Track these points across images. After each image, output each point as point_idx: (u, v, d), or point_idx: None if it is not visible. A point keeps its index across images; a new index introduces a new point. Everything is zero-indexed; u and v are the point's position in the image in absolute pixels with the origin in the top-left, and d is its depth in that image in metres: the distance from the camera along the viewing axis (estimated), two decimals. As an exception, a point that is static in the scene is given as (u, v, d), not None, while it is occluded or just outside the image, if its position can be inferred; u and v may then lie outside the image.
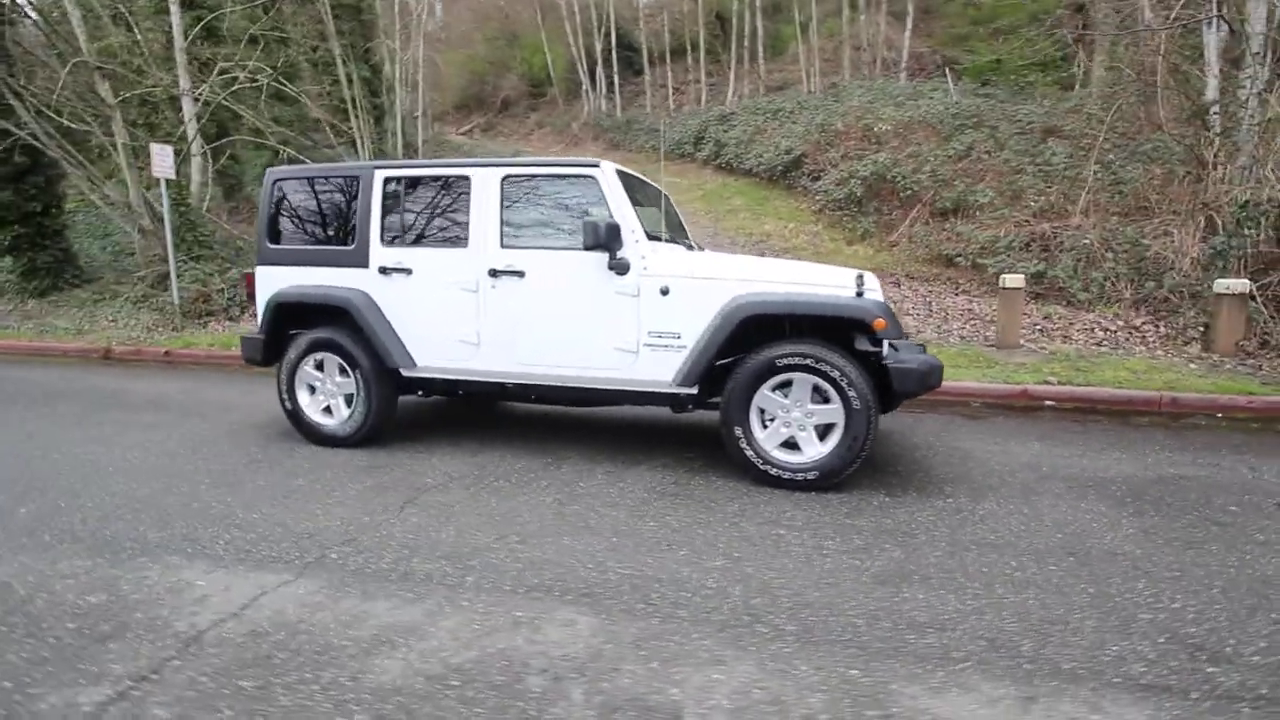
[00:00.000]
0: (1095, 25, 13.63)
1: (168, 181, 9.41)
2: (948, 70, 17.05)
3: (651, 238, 3.71)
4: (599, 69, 24.45)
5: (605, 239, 3.45)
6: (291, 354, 4.17)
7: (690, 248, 4.24)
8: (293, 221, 4.28)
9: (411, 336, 4.00)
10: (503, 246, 3.80)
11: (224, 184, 14.56)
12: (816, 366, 3.27)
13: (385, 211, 4.01)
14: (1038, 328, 7.01)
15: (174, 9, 10.62)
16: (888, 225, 11.57)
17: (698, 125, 18.66)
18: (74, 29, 9.34)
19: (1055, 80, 15.32)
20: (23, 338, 8.95)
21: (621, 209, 3.61)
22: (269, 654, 2.01)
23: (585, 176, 3.69)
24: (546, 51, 25.67)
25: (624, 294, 3.61)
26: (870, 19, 21.78)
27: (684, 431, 4.59)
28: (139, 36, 10.22)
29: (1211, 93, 8.54)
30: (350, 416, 4.11)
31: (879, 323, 3.24)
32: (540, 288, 3.74)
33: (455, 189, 3.92)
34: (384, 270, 3.99)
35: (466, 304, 3.87)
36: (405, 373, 4.01)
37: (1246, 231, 6.48)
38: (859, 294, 3.39)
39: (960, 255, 9.30)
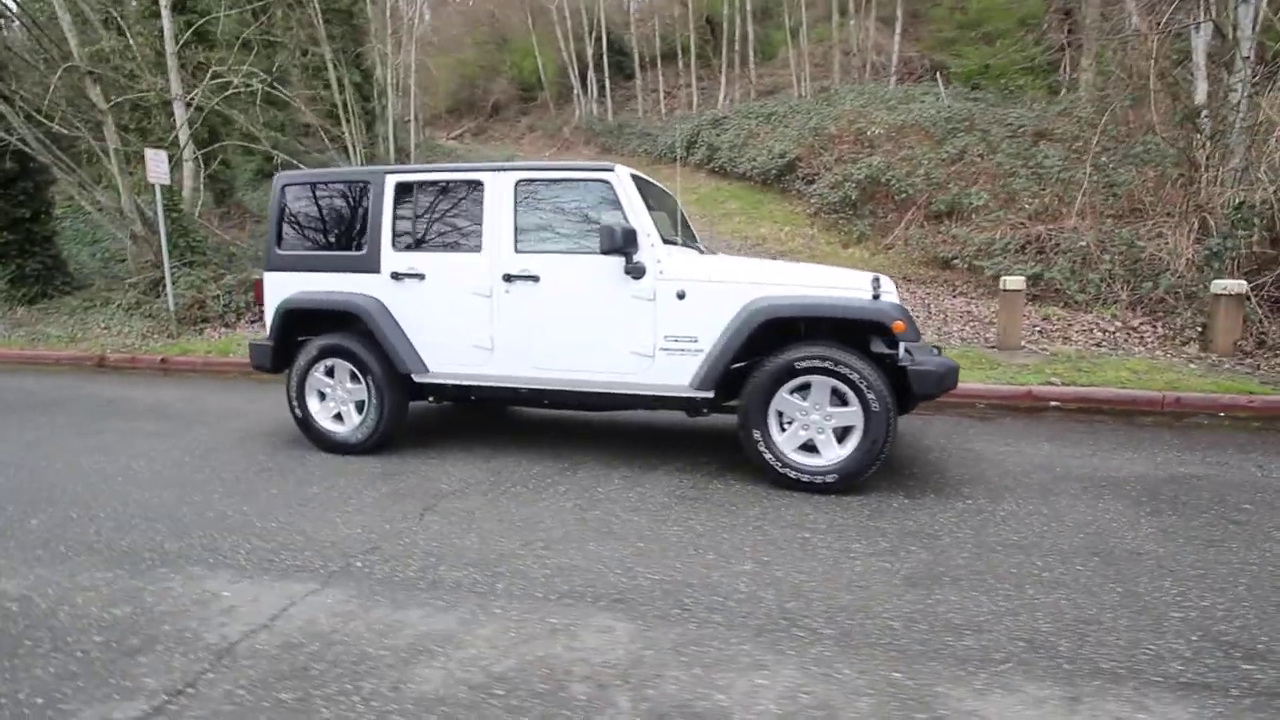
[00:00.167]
0: (1083, 30, 13.84)
1: (160, 187, 9.31)
2: (938, 74, 17.19)
3: (666, 242, 3.71)
4: (590, 73, 24.48)
5: (622, 243, 3.45)
6: (301, 360, 4.13)
7: (701, 251, 4.24)
8: (302, 227, 4.24)
9: (424, 342, 3.97)
10: (517, 251, 3.78)
11: (215, 189, 14.41)
12: (835, 369, 3.28)
13: (397, 216, 3.99)
14: (1037, 329, 7.08)
15: (165, 13, 10.52)
16: (883, 228, 11.66)
17: (690, 129, 18.70)
18: (65, 33, 9.22)
19: (1044, 85, 15.53)
20: (14, 346, 8.81)
21: (637, 213, 3.60)
22: (305, 665, 1.98)
23: (600, 181, 3.68)
24: (537, 55, 25.67)
25: (640, 298, 3.61)
26: (860, 24, 21.96)
27: (697, 435, 4.58)
28: (131, 41, 10.11)
29: (1200, 96, 8.68)
30: (362, 423, 4.07)
31: (898, 325, 3.26)
32: (555, 292, 3.73)
33: (468, 194, 3.90)
34: (396, 275, 3.96)
35: (480, 309, 3.85)
36: (417, 378, 3.98)
37: (1240, 233, 6.58)
38: (875, 296, 3.41)
39: (957, 257, 9.38)
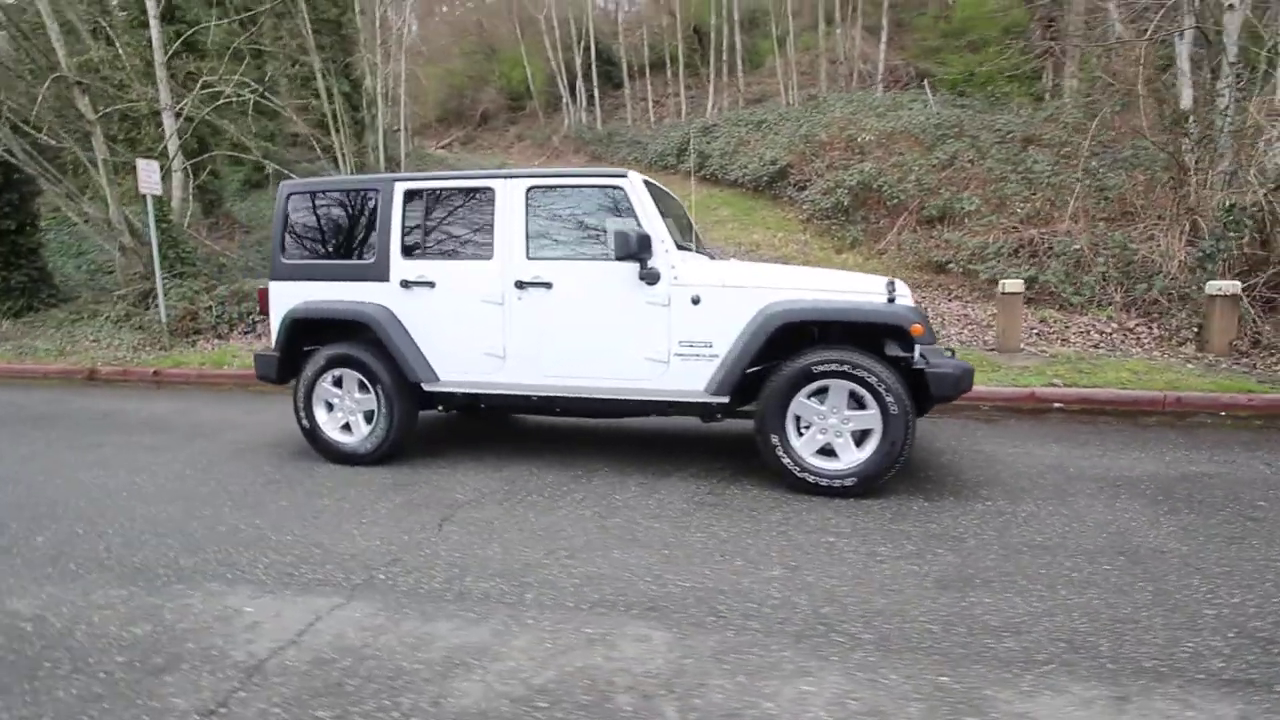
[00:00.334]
0: (1067, 37, 14.07)
1: (152, 198, 9.19)
2: (926, 82, 17.41)
3: (679, 248, 3.70)
4: (579, 82, 24.55)
5: (637, 249, 3.44)
6: (308, 371, 4.07)
7: (712, 257, 4.24)
8: (307, 236, 4.19)
9: (434, 350, 3.93)
10: (529, 258, 3.75)
11: (203, 200, 14.29)
12: (854, 373, 3.27)
13: (406, 224, 3.95)
14: (1035, 332, 7.13)
15: (153, 23, 10.42)
16: (875, 233, 11.73)
17: (680, 137, 18.80)
18: (52, 43, 9.10)
19: (1028, 92, 15.77)
20: (1, 360, 8.63)
21: (651, 219, 3.59)
22: (339, 681, 1.93)
23: (613, 186, 3.67)
24: (526, 65, 25.71)
25: (655, 304, 3.59)
26: (846, 33, 22.21)
27: (710, 441, 4.56)
28: (120, 50, 10.00)
29: (1186, 101, 8.84)
30: (371, 433, 4.01)
31: (916, 328, 3.26)
32: (568, 299, 3.71)
33: (478, 200, 3.87)
34: (405, 284, 3.92)
35: (492, 316, 3.81)
36: (427, 387, 3.94)
37: (1231, 235, 6.68)
38: (890, 299, 3.41)
39: (952, 262, 9.45)
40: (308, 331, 4.18)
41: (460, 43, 28.84)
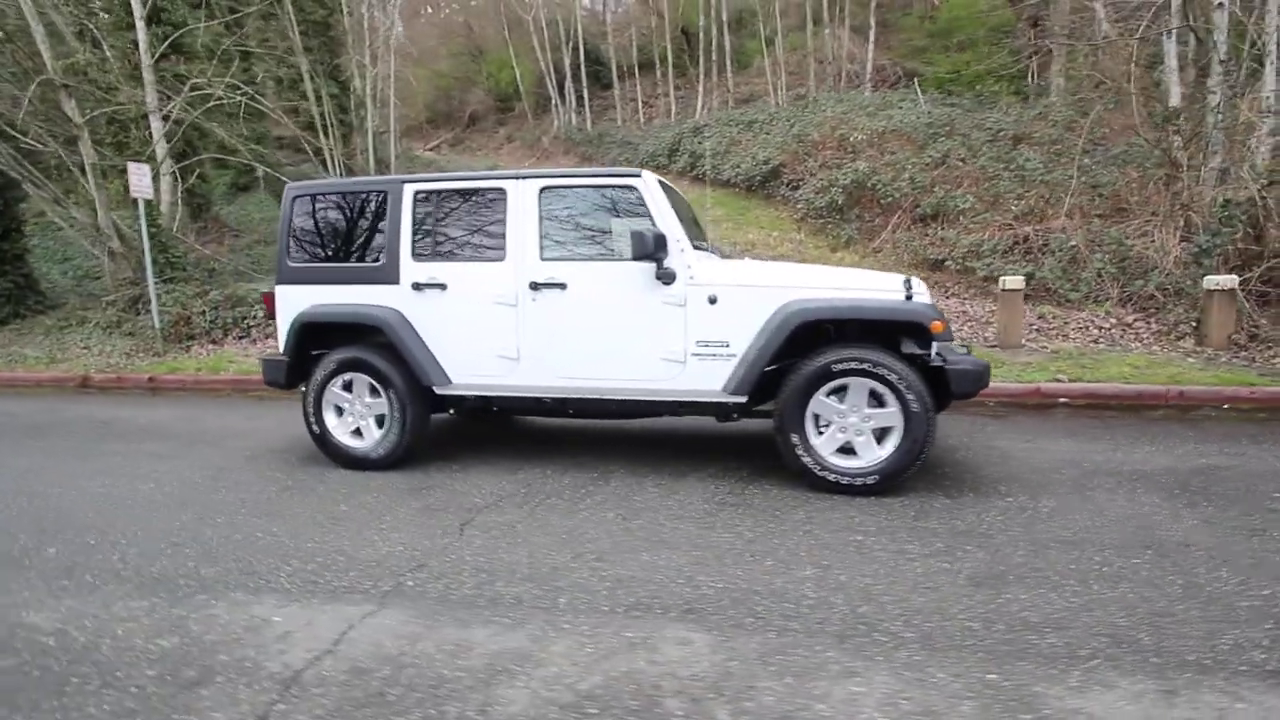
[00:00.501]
0: (1054, 37, 14.21)
1: (137, 202, 9.06)
2: (915, 81, 17.53)
3: (695, 248, 3.68)
4: (568, 83, 24.46)
5: (653, 249, 3.42)
6: (318, 375, 4.01)
7: (725, 256, 4.22)
8: (314, 239, 4.13)
9: (447, 353, 3.89)
10: (542, 259, 3.72)
11: (192, 204, 14.09)
12: (874, 371, 3.27)
13: (416, 226, 3.90)
14: (1034, 328, 7.19)
15: (140, 24, 10.27)
16: (870, 231, 11.79)
17: (671, 138, 18.81)
18: (38, 45, 8.94)
19: (1014, 91, 15.91)
20: (-12, 368, 8.46)
21: (666, 218, 3.58)
22: (380, 691, 1.89)
23: (627, 186, 3.65)
24: (514, 66, 25.59)
25: (671, 304, 3.57)
26: (834, 33, 22.31)
27: (723, 441, 4.55)
28: (107, 52, 9.84)
29: (1175, 99, 8.95)
30: (383, 438, 3.96)
31: (936, 325, 3.27)
32: (583, 300, 3.68)
33: (489, 201, 3.83)
34: (417, 286, 3.87)
35: (505, 318, 3.78)
36: (440, 390, 3.89)
37: (1226, 230, 6.77)
38: (908, 297, 3.42)
39: (949, 259, 9.51)
40: (315, 335, 4.12)
41: (447, 44, 28.69)
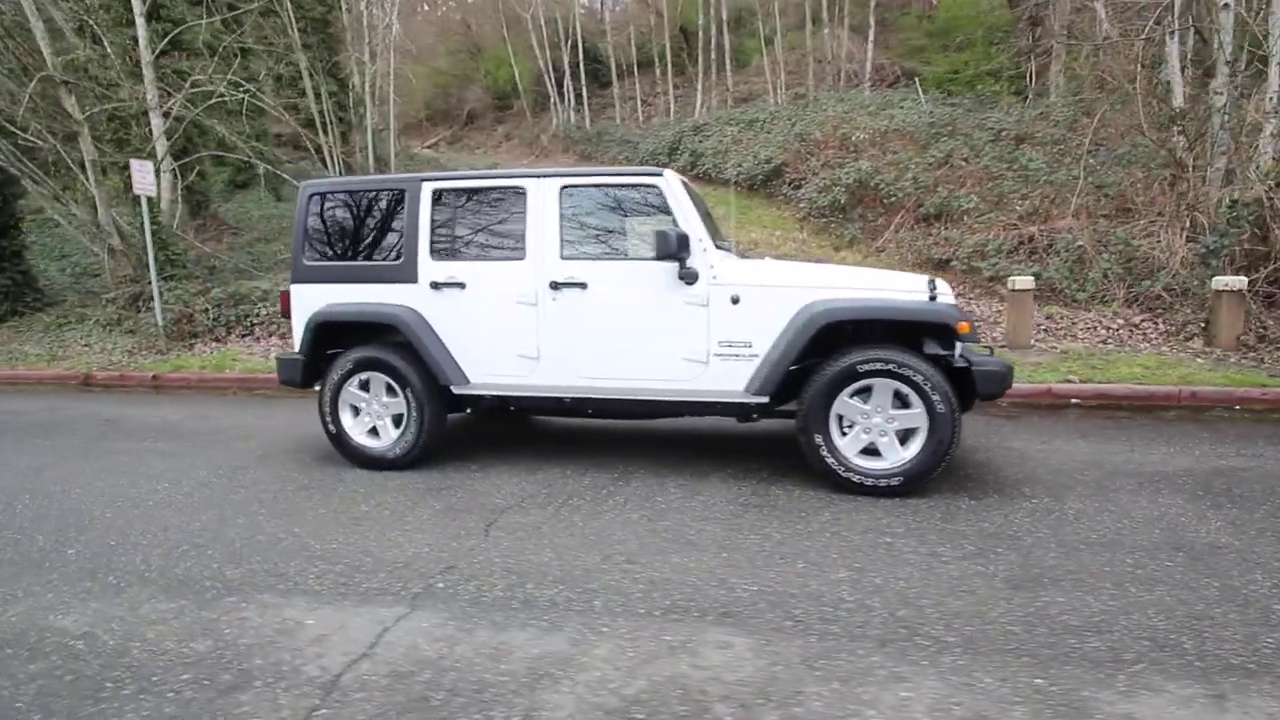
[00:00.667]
0: (1056, 37, 14.25)
1: (137, 198, 8.98)
2: (917, 81, 17.56)
3: (717, 247, 3.66)
4: (566, 81, 24.42)
5: (676, 248, 3.40)
6: (335, 374, 3.98)
7: (744, 255, 4.21)
8: (330, 237, 4.10)
9: (465, 352, 3.86)
10: (563, 258, 3.70)
11: (190, 201, 13.99)
12: (899, 372, 3.26)
13: (434, 225, 3.87)
14: (1042, 328, 7.20)
15: (139, 21, 10.18)
16: (873, 231, 11.79)
17: (671, 136, 18.77)
18: (37, 41, 8.85)
19: (1014, 90, 15.96)
20: (-12, 366, 8.38)
21: (689, 218, 3.56)
22: (424, 695, 1.87)
23: (649, 186, 3.63)
24: (513, 64, 25.52)
25: (693, 303, 3.55)
26: (833, 32, 22.31)
27: (741, 441, 4.53)
28: (108, 49, 9.75)
29: (1178, 99, 8.98)
30: (400, 437, 3.93)
31: (963, 326, 3.26)
32: (604, 299, 3.66)
33: (509, 200, 3.81)
34: (435, 285, 3.84)
35: (525, 317, 3.75)
36: (457, 390, 3.87)
37: (1233, 231, 6.79)
38: (932, 297, 3.41)
39: (954, 259, 9.52)
40: (331, 335, 4.09)
41: (445, 41, 28.57)
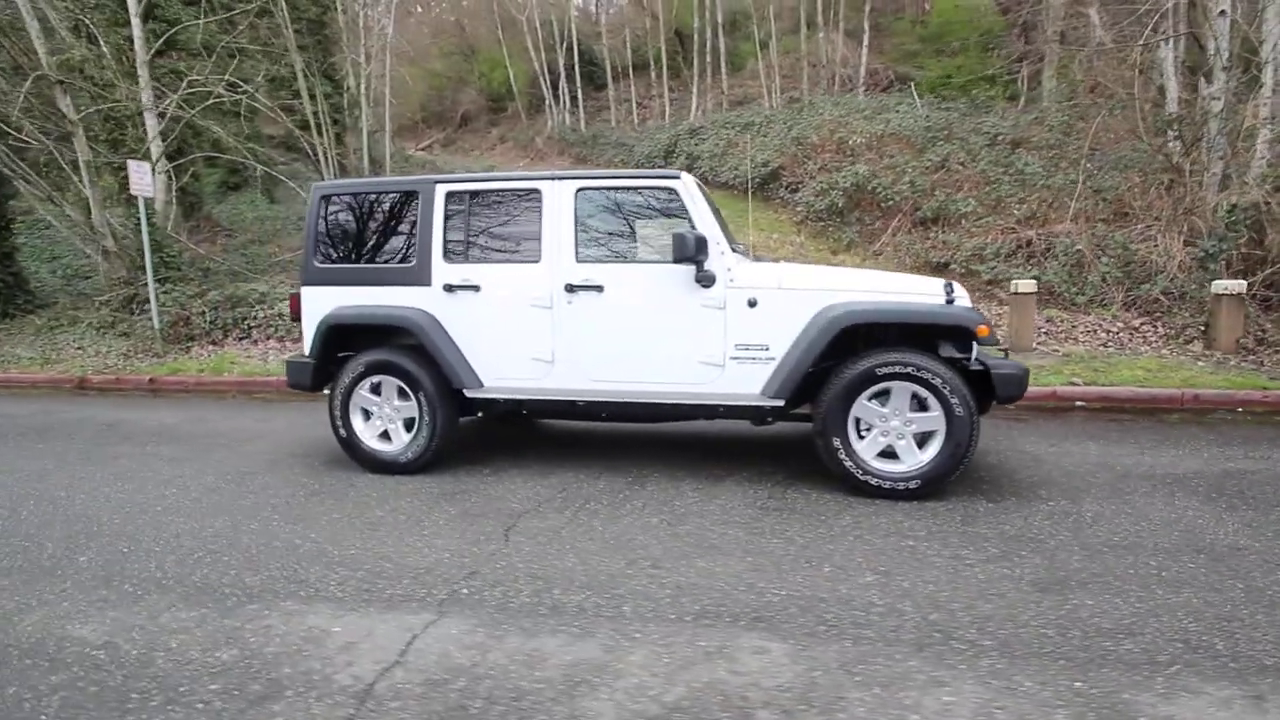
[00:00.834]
0: (1049, 42, 14.39)
1: (131, 200, 8.89)
2: (913, 85, 17.68)
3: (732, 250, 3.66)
4: (561, 83, 24.39)
5: (694, 251, 3.39)
6: (346, 378, 3.94)
7: (759, 259, 4.21)
8: (342, 239, 4.06)
9: (479, 356, 3.83)
10: (578, 261, 3.68)
11: (184, 203, 13.86)
12: (918, 375, 3.26)
13: (448, 227, 3.84)
14: (1043, 331, 7.25)
15: (135, 21, 10.08)
16: (871, 234, 11.84)
17: (667, 139, 18.79)
18: (33, 41, 8.74)
19: (1008, 95, 16.10)
20: (-20, 369, 8.25)
21: (705, 220, 3.55)
22: (461, 704, 1.84)
23: (665, 189, 3.62)
24: (508, 66, 25.47)
25: (710, 306, 3.55)
26: (827, 37, 22.43)
27: (752, 444, 4.52)
28: (104, 49, 9.64)
29: (1173, 105, 9.09)
30: (412, 441, 3.90)
31: (982, 329, 3.27)
32: (620, 302, 3.64)
33: (524, 203, 3.79)
34: (449, 288, 3.81)
35: (540, 320, 3.73)
36: (470, 393, 3.84)
37: (1231, 235, 6.87)
38: (949, 300, 3.42)
39: (952, 262, 9.57)
40: (342, 338, 4.05)
41: (439, 43, 28.48)
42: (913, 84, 18.02)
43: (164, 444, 4.89)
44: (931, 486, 3.32)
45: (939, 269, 10.09)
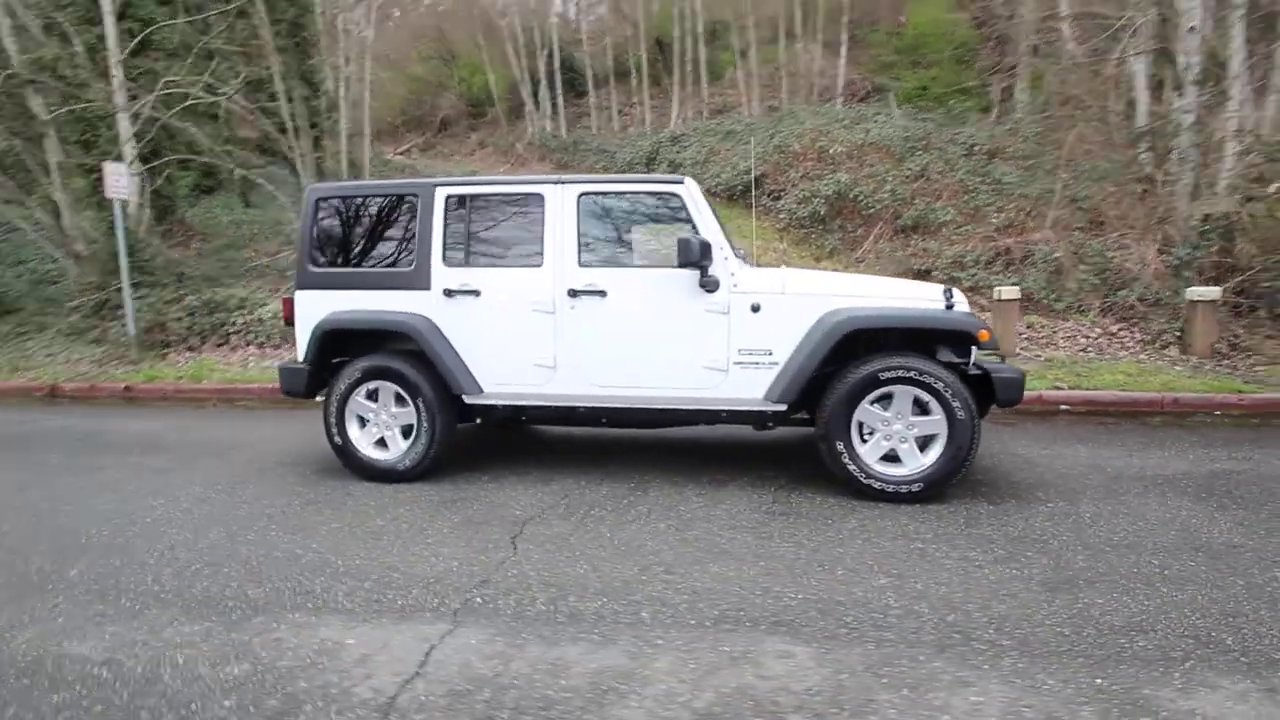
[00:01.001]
0: (1022, 55, 14.75)
1: (103, 203, 8.65)
2: (892, 95, 17.99)
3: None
4: (542, 89, 24.37)
5: (699, 256, 3.40)
6: (342, 384, 3.87)
7: (756, 264, 4.23)
8: (338, 242, 4.00)
9: (479, 361, 3.79)
10: (581, 265, 3.67)
11: (156, 206, 13.52)
12: (920, 379, 3.30)
13: (448, 231, 3.80)
14: (1024, 336, 7.39)
15: (108, 19, 9.84)
16: (853, 242, 12.00)
17: (649, 147, 18.82)
18: (2, 40, 8.49)
19: (982, 106, 16.47)
20: (-56, 378, 7.95)
21: (709, 226, 3.57)
22: (488, 715, 1.81)
23: (669, 194, 3.63)
24: (488, 72, 25.39)
25: (714, 311, 3.56)
26: (805, 47, 22.74)
27: (749, 449, 4.53)
28: (78, 47, 9.40)
29: (1143, 118, 9.37)
30: (410, 448, 3.83)
31: (983, 334, 3.33)
32: (624, 307, 3.63)
33: (525, 207, 3.77)
34: (449, 292, 3.77)
35: (542, 325, 3.71)
36: (470, 399, 3.79)
37: (1204, 244, 7.09)
38: (949, 306, 3.47)
39: (934, 269, 9.72)
40: (336, 343, 3.98)
41: (418, 47, 28.29)
42: (892, 94, 18.32)
43: (147, 453, 4.75)
44: (933, 489, 3.35)
45: (921, 276, 10.24)
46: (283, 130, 15.13)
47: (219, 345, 8.61)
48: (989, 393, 3.41)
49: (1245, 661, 2.01)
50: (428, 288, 3.80)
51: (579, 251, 3.67)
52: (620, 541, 2.98)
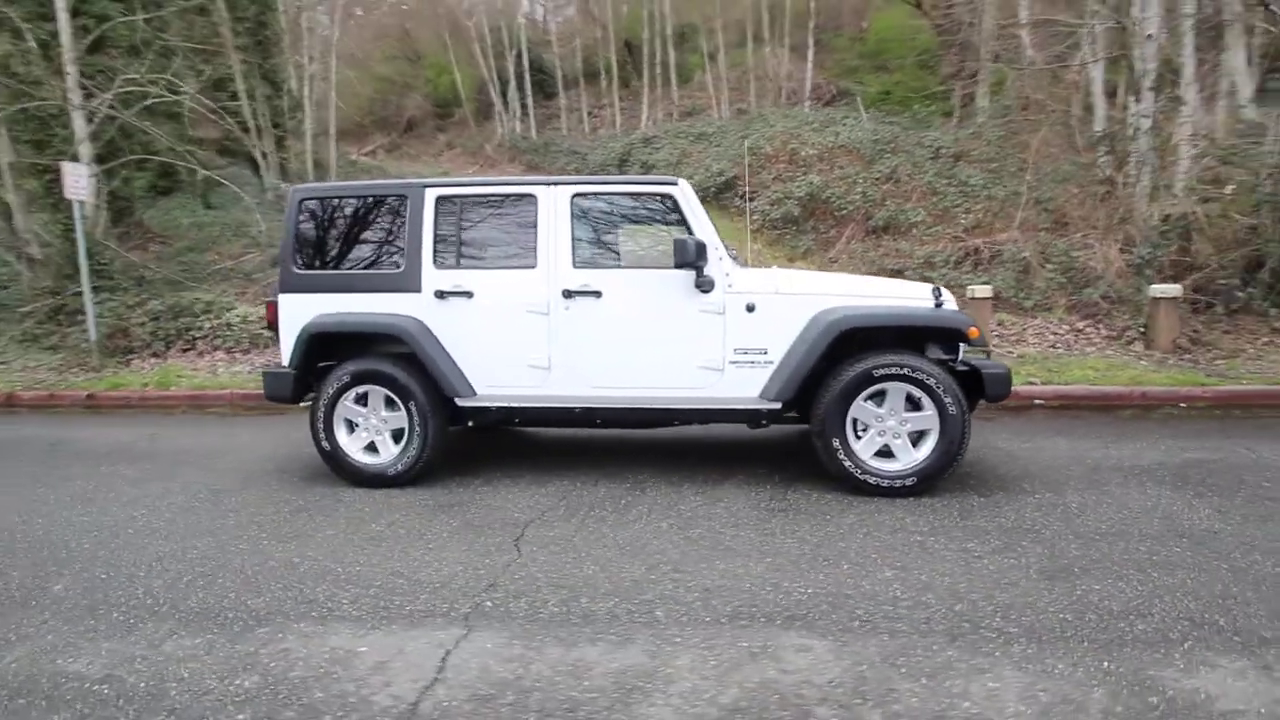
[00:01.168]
0: (981, 61, 15.16)
1: (57, 204, 8.33)
2: (860, 98, 18.31)
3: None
4: (511, 90, 24.22)
5: (694, 257, 3.42)
6: (329, 389, 3.78)
7: (746, 264, 4.27)
8: (323, 244, 3.91)
9: (472, 363, 3.75)
10: (575, 266, 3.66)
11: (114, 207, 13.04)
12: (913, 375, 3.37)
13: (439, 232, 3.76)
14: (995, 334, 7.59)
15: (62, 15, 9.47)
16: (826, 242, 12.18)
17: (620, 148, 18.87)
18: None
19: (944, 111, 16.89)
20: (-111, 388, 7.54)
21: (704, 226, 3.59)
22: (514, 718, 1.79)
23: (664, 195, 3.64)
24: (455, 72, 25.11)
25: (709, 311, 3.58)
26: (773, 51, 23.02)
27: (740, 448, 4.57)
28: (30, 44, 9.03)
29: (1101, 122, 9.72)
30: (402, 453, 3.77)
31: (973, 331, 3.41)
32: (619, 308, 3.63)
33: (518, 208, 3.74)
34: (440, 294, 3.72)
35: (537, 327, 3.68)
36: (462, 402, 3.75)
37: (1163, 243, 7.38)
38: (938, 304, 3.55)
39: (906, 269, 9.92)
40: (323, 347, 3.90)
41: (382, 47, 27.84)
42: (859, 97, 18.66)
43: (120, 463, 4.58)
44: (927, 483, 3.43)
45: (894, 276, 10.45)
46: (245, 130, 14.76)
47: (185, 350, 8.34)
48: (977, 388, 3.50)
49: (1239, 641, 2.10)
50: (418, 290, 3.75)
51: (573, 252, 3.66)
52: (624, 541, 2.98)
